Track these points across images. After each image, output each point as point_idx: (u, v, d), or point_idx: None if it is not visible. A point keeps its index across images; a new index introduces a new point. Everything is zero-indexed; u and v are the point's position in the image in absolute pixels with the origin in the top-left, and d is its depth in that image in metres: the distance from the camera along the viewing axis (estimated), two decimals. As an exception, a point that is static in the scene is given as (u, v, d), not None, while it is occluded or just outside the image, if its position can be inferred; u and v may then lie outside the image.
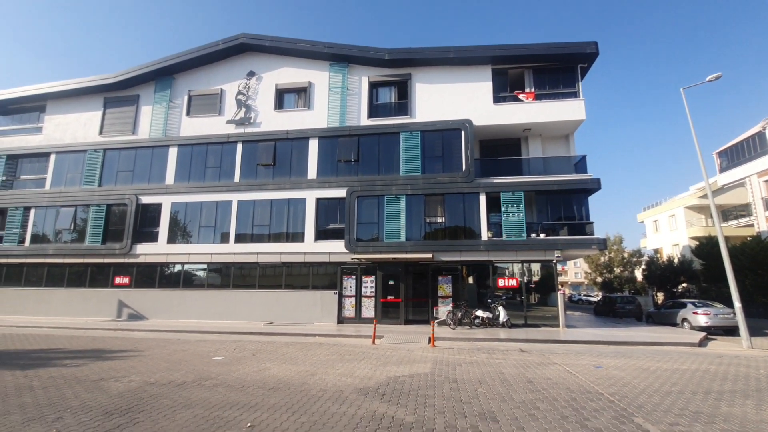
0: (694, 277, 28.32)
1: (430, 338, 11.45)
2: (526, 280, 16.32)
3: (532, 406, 5.55)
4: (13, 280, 19.74)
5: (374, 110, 18.42)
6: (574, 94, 17.31)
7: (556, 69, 17.79)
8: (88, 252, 18.81)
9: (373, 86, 18.67)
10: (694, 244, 30.34)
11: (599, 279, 41.22)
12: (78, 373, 7.32)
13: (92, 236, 18.96)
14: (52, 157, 20.55)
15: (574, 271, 76.73)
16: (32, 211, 20.05)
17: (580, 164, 17.01)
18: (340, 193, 17.29)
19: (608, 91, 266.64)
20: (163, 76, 20.03)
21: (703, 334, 13.98)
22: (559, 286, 16.00)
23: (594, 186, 16.05)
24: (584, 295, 48.23)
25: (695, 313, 15.59)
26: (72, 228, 19.61)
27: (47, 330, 14.59)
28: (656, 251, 38.60)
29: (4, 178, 20.96)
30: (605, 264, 41.38)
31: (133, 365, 8.16)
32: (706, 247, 26.07)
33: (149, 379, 6.96)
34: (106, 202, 19.18)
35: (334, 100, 18.43)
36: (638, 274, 38.51)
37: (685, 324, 15.97)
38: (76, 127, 20.64)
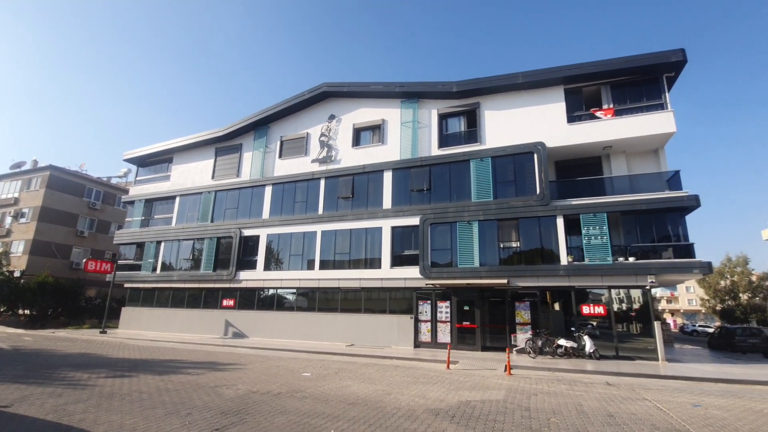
0: None
1: (506, 366, 11.32)
2: (616, 308, 15.11)
3: (606, 439, 5.46)
4: (148, 301, 23.99)
5: (444, 140, 19.14)
6: (661, 106, 16.08)
7: (638, 82, 16.77)
8: (202, 278, 22.17)
9: (443, 117, 19.49)
10: None
11: (719, 307, 35.35)
12: (199, 380, 8.93)
13: (206, 264, 22.34)
14: (177, 200, 24.93)
15: (688, 297, 66.29)
16: (162, 244, 24.36)
17: (673, 180, 15.53)
18: (414, 221, 18.09)
19: (707, 102, 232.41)
20: (260, 126, 23.36)
21: None
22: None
23: (691, 203, 14.50)
24: (700, 326, 41.49)
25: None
26: (191, 257, 23.34)
27: (173, 344, 17.47)
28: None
29: (143, 218, 25.89)
30: (727, 289, 35.47)
31: (239, 376, 9.62)
32: None
33: (252, 388, 8.23)
34: (216, 235, 22.55)
35: (405, 134, 19.62)
36: (772, 303, 32.27)
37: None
38: (195, 174, 24.86)
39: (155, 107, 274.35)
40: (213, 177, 24.07)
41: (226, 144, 24.33)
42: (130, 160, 27.55)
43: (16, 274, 26.63)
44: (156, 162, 27.16)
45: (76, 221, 32.03)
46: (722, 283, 35.89)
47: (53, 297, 26.21)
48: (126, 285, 24.87)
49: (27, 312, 26.49)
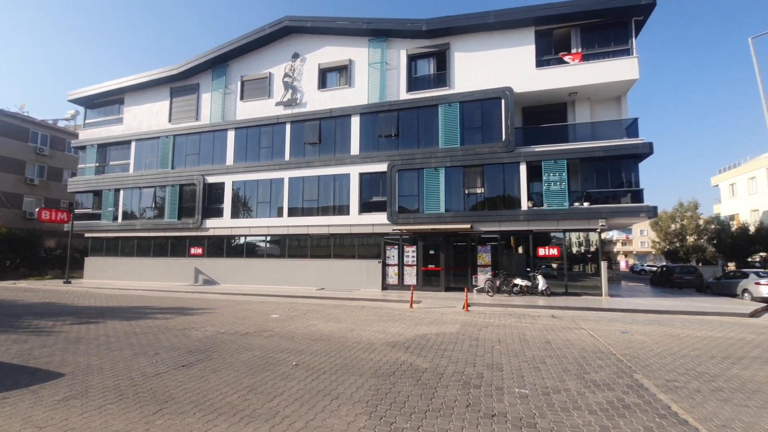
0: (773, 245, 25.67)
1: (464, 303, 12.19)
2: (571, 251, 16.23)
3: (539, 361, 6.18)
4: (112, 251, 23.46)
5: (413, 83, 18.62)
6: (627, 52, 16.13)
7: (607, 25, 16.59)
8: (167, 227, 21.72)
9: (412, 59, 18.78)
10: (776, 208, 27.23)
11: (667, 248, 38.44)
12: (167, 324, 9.15)
13: (170, 213, 21.78)
14: (133, 144, 23.51)
15: (641, 240, 71.64)
16: (121, 192, 23.34)
17: (632, 128, 16.09)
18: (382, 167, 18.07)
19: (669, 47, 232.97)
20: (218, 64, 21.70)
21: (761, 305, 13.20)
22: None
23: (645, 151, 15.21)
24: (648, 266, 45.45)
25: (758, 283, 14.64)
26: (153, 206, 22.62)
27: (141, 292, 17.49)
28: (731, 218, 35.04)
29: (97, 164, 24.43)
30: (676, 232, 38.31)
31: (208, 319, 9.92)
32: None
33: (221, 329, 8.55)
34: (179, 182, 21.76)
35: (373, 76, 18.88)
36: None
37: (746, 295, 15.07)
38: (150, 116, 23.26)
39: (103, 43, 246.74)
40: (170, 120, 22.65)
41: (182, 84, 22.64)
42: (77, 101, 25.29)
43: (-37, 224, 25.08)
44: (106, 103, 25.09)
45: (24, 168, 29.83)
46: (673, 226, 38.55)
47: (9, 248, 25.09)
48: (87, 235, 24.06)
49: (-19, 264, 25.39)
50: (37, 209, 22.86)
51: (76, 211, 23.76)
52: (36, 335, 7.75)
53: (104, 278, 22.91)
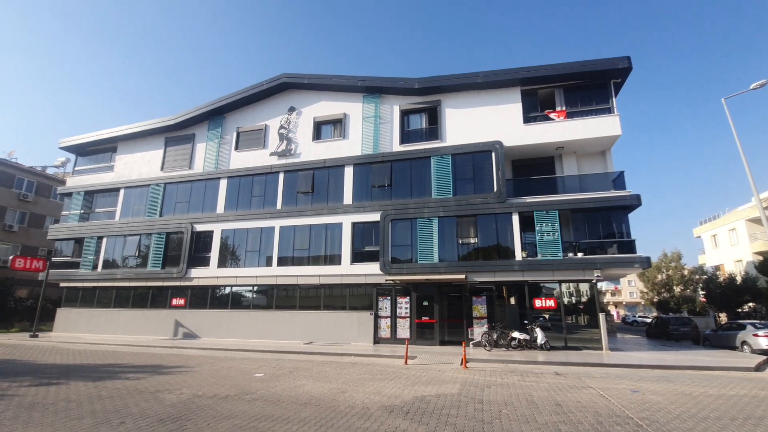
0: (760, 295, 25.68)
1: (462, 359, 11.50)
2: (566, 301, 15.85)
3: (554, 429, 5.60)
4: (88, 302, 22.14)
5: (406, 136, 19.14)
6: (608, 110, 17.02)
7: (588, 86, 17.64)
8: (149, 276, 20.77)
9: (405, 114, 19.48)
10: (758, 259, 27.63)
11: (656, 299, 38.25)
12: (138, 386, 8.27)
13: (153, 261, 20.95)
14: (121, 192, 23.16)
15: (629, 290, 71.46)
16: (104, 240, 22.56)
17: (618, 181, 16.51)
18: (375, 217, 17.95)
19: (650, 107, 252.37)
20: (215, 115, 22.18)
21: (763, 358, 12.77)
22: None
23: (633, 202, 15.49)
24: (640, 317, 44.85)
25: (756, 335, 14.32)
26: (137, 254, 21.80)
27: (114, 347, 16.22)
28: (716, 268, 35.41)
29: (82, 211, 23.84)
30: (663, 282, 38.39)
31: (185, 380, 9.04)
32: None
33: (198, 392, 7.73)
34: (166, 230, 21.19)
35: (367, 129, 19.41)
36: (700, 293, 35.38)
37: (745, 347, 14.67)
38: (142, 165, 23.21)
39: (100, 96, 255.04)
40: (162, 168, 22.58)
41: (177, 134, 22.90)
42: (68, 149, 25.26)
43: (-71, 273, 23.63)
44: (98, 151, 25.08)
45: (4, 214, 28.93)
46: (659, 276, 38.72)
47: (-25, 298, 23.55)
48: (62, 284, 22.81)
49: (-58, 315, 23.61)
50: (11, 257, 21.76)
51: (55, 259, 22.73)
52: (-13, 400, 6.86)
53: (76, 331, 21.36)
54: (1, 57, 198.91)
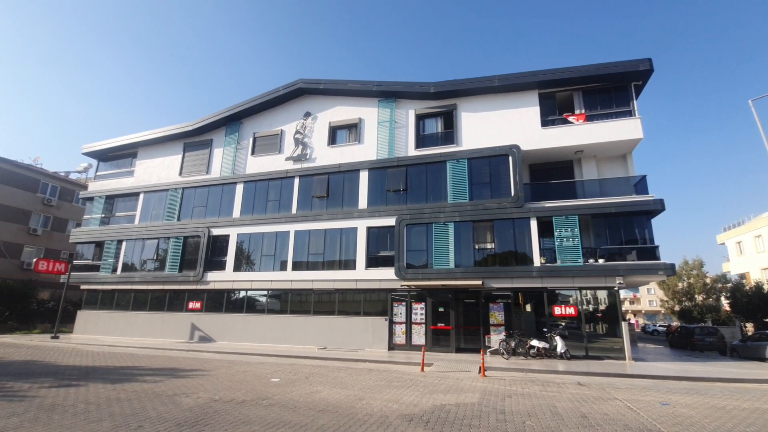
0: (790, 305, 24.54)
1: (480, 367, 11.22)
2: (586, 309, 15.40)
3: (581, 442, 5.35)
4: (107, 304, 22.55)
5: (421, 141, 19.03)
6: (629, 113, 16.60)
7: (608, 89, 17.26)
8: (167, 279, 21.04)
9: (420, 118, 19.39)
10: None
11: (677, 308, 37.02)
12: (156, 389, 8.29)
13: (171, 265, 21.23)
14: (141, 196, 23.62)
15: (649, 299, 69.36)
16: (124, 243, 22.99)
17: (640, 185, 16.04)
18: (390, 221, 17.83)
19: (675, 111, 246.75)
20: (232, 121, 22.49)
21: (801, 372, 12.12)
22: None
23: (657, 207, 15.00)
24: (660, 326, 43.46)
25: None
26: (155, 258, 22.13)
27: (132, 349, 16.42)
28: (742, 276, 34.10)
29: (103, 215, 24.38)
30: (684, 291, 37.17)
31: (202, 383, 9.03)
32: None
33: (215, 396, 7.69)
34: (183, 234, 21.49)
35: (382, 134, 19.37)
36: (724, 302, 34.10)
37: (779, 360, 13.94)
38: (161, 170, 23.64)
39: (121, 102, 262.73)
40: (181, 173, 22.96)
41: (195, 139, 23.29)
42: (90, 154, 25.94)
43: (-42, 274, 24.43)
44: (119, 157, 25.67)
45: (29, 218, 29.84)
46: (680, 285, 37.54)
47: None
48: (83, 287, 23.30)
49: (-31, 316, 24.34)
50: (35, 259, 22.36)
51: (76, 262, 23.26)
52: (7, 401, 6.95)
53: (95, 333, 21.76)
54: (32, 68, 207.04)
